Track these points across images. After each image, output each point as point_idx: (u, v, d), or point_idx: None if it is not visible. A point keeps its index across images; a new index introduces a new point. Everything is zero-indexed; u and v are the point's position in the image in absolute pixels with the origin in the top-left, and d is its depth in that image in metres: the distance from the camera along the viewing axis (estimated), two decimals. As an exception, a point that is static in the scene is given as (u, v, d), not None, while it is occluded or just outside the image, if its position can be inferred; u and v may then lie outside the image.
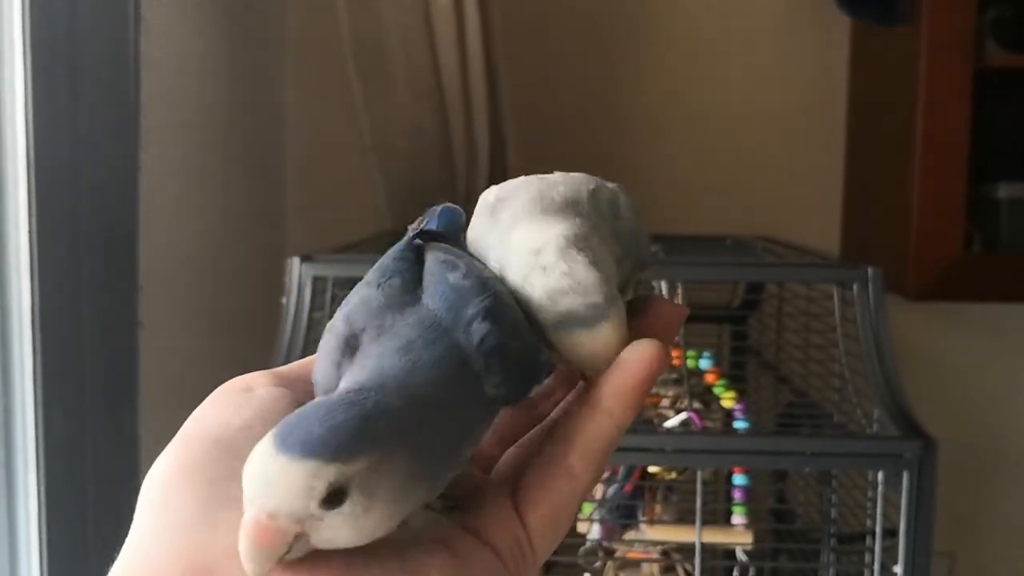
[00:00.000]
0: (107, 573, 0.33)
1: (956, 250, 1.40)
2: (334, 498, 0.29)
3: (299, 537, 0.30)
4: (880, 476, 0.87)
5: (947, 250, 1.39)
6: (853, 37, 1.67)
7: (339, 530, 0.30)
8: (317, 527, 0.30)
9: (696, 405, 0.98)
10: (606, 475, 0.94)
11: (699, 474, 0.88)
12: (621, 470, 0.95)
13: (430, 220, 0.39)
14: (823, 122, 1.69)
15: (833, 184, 1.69)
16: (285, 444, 0.29)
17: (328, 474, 0.29)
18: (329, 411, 0.30)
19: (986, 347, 1.66)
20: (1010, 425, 1.67)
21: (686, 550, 0.98)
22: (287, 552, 0.30)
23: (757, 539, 0.99)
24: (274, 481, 0.29)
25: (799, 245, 1.25)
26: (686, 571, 1.02)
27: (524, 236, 0.37)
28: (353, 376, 0.32)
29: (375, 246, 1.14)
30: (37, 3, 0.87)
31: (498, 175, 1.44)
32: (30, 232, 0.88)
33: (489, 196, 0.41)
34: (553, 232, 0.36)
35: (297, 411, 0.30)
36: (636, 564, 1.03)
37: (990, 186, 1.48)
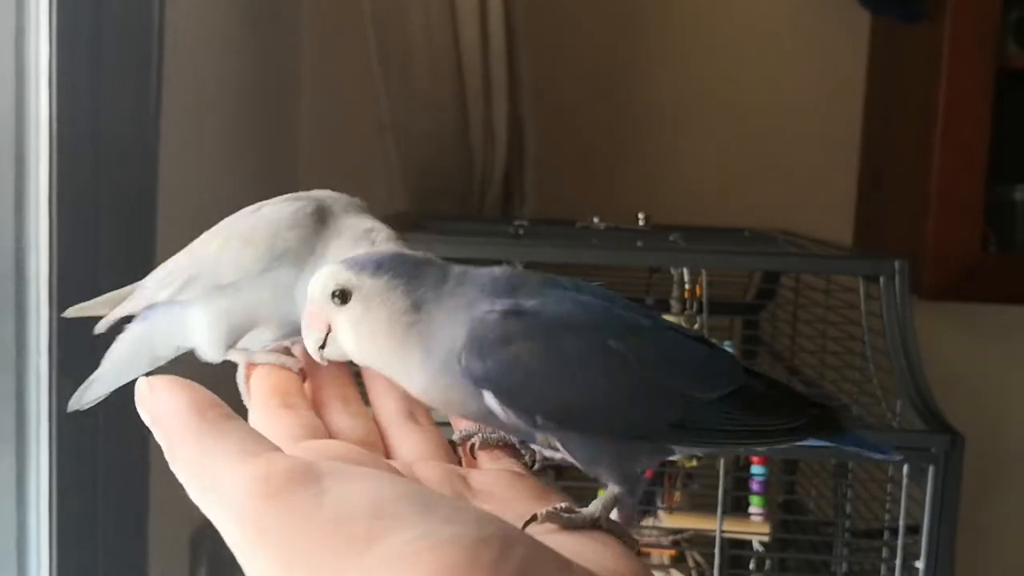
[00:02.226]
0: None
1: (973, 251, 1.39)
2: (343, 297, 0.40)
3: (330, 332, 0.41)
4: (905, 470, 0.86)
5: (964, 250, 1.39)
6: (873, 33, 1.66)
7: (344, 328, 0.41)
8: (334, 320, 0.41)
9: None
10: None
11: (721, 462, 0.87)
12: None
13: None
14: (840, 118, 1.68)
15: (848, 181, 1.69)
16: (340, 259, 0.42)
17: (340, 276, 0.40)
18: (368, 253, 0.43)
19: (998, 349, 1.66)
20: (1019, 426, 1.66)
21: (697, 539, 0.98)
22: (323, 344, 0.41)
23: (773, 531, 0.99)
24: (316, 278, 0.41)
25: (819, 238, 1.24)
26: (695, 560, 1.02)
27: None
28: None
29: (395, 225, 1.13)
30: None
31: (515, 159, 1.43)
32: (50, 205, 0.87)
33: None
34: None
35: None
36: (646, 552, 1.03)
37: (1007, 188, 1.47)
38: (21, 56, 0.87)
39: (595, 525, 0.36)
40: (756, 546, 1.00)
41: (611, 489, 0.38)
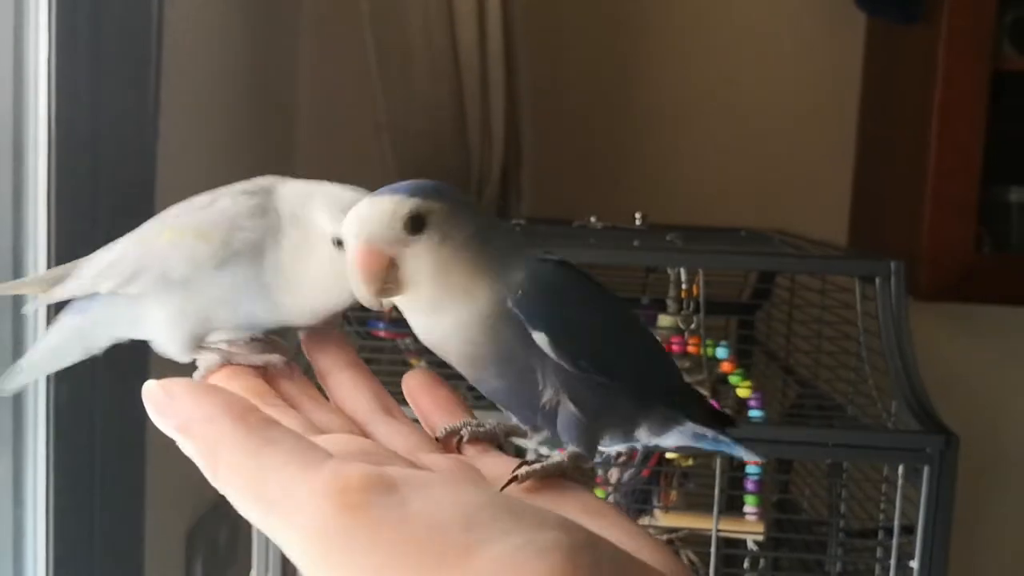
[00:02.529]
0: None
1: (967, 251, 1.40)
2: (416, 225, 0.38)
3: (392, 267, 0.39)
4: (900, 470, 0.86)
5: (958, 251, 1.39)
6: (868, 34, 1.67)
7: (422, 258, 0.39)
8: (404, 254, 0.38)
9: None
10: (623, 459, 0.94)
11: (718, 462, 0.87)
12: (639, 454, 0.94)
13: None
14: (835, 119, 1.69)
15: (843, 181, 1.69)
16: (375, 194, 0.39)
17: (409, 204, 0.38)
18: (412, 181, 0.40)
19: (992, 349, 1.67)
20: (1013, 427, 1.67)
21: (692, 538, 0.98)
22: (385, 283, 0.39)
23: (767, 530, 0.99)
24: (367, 216, 0.38)
25: (814, 238, 1.25)
26: (689, 559, 1.02)
27: None
28: None
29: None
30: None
31: (512, 158, 1.43)
32: (48, 203, 0.87)
33: None
34: None
35: None
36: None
37: (1002, 188, 1.48)
38: (20, 55, 0.87)
39: (563, 472, 0.37)
40: (751, 545, 1.01)
41: (572, 448, 0.40)
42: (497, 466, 0.38)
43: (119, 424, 0.97)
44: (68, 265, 0.50)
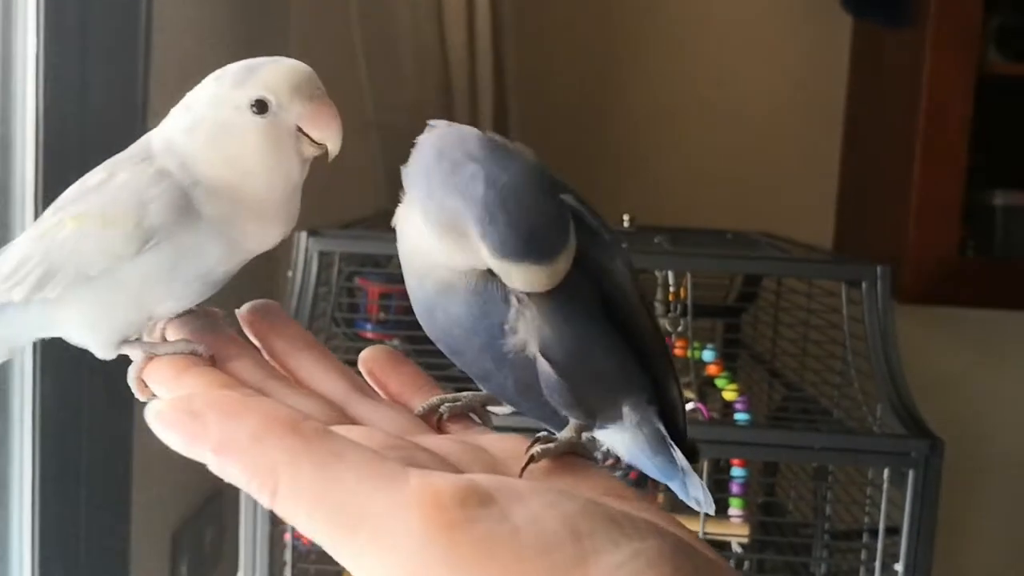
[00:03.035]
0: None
1: (951, 254, 1.41)
2: None
3: None
4: (886, 473, 0.87)
5: (942, 254, 1.40)
6: (854, 36, 1.68)
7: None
8: None
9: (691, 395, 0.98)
10: (610, 462, 0.94)
11: (705, 464, 0.88)
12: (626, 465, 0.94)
13: None
14: (822, 121, 1.69)
15: (829, 184, 1.70)
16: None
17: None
18: None
19: (976, 352, 1.68)
20: (996, 431, 1.68)
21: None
22: None
23: (752, 532, 1.00)
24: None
25: (800, 241, 1.25)
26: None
27: None
28: None
29: (380, 222, 1.13)
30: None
31: (500, 159, 1.43)
32: (35, 201, 0.87)
33: None
34: None
35: None
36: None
37: (986, 192, 1.49)
38: (8, 47, 0.86)
39: (573, 448, 0.36)
40: (735, 548, 1.01)
41: (574, 423, 0.38)
42: (502, 444, 0.36)
43: (105, 425, 0.97)
44: None
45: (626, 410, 0.38)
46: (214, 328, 0.42)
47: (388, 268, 1.05)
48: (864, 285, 0.94)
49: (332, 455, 0.28)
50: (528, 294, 0.35)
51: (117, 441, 1.00)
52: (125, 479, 1.01)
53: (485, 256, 0.34)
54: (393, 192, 1.37)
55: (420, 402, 0.40)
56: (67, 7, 0.88)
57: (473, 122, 1.40)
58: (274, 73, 0.41)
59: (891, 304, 0.93)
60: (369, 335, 1.02)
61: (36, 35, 0.86)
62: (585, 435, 0.38)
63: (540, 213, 0.33)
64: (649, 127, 1.68)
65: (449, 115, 1.39)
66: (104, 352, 0.43)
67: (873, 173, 1.59)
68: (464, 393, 0.40)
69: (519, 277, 0.34)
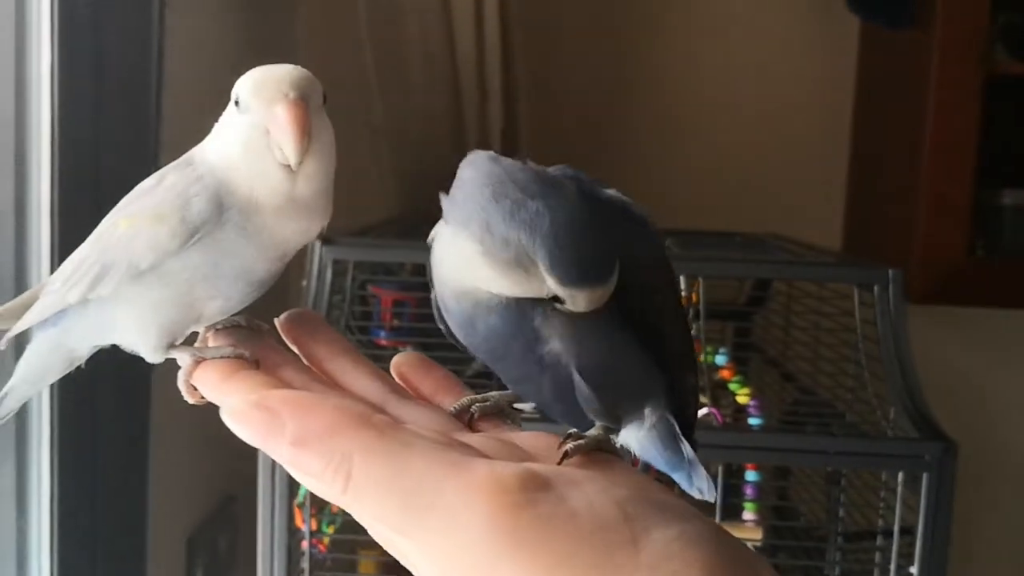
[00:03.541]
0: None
1: (960, 254, 1.41)
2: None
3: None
4: (900, 477, 0.87)
5: (951, 254, 1.40)
6: (862, 38, 1.68)
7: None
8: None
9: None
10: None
11: (720, 469, 0.88)
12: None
13: None
14: (830, 122, 1.69)
15: (837, 184, 1.70)
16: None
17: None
18: None
19: (985, 352, 1.68)
20: (1007, 430, 1.68)
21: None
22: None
23: (765, 536, 1.00)
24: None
25: (809, 243, 1.25)
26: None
27: None
28: None
29: (393, 230, 1.14)
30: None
31: (509, 163, 1.43)
32: (51, 212, 0.88)
33: None
34: None
35: None
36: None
37: (994, 192, 1.49)
38: (22, 63, 0.87)
39: (601, 446, 0.38)
40: (750, 551, 1.01)
41: (599, 425, 0.40)
42: (534, 441, 0.39)
43: (121, 430, 0.98)
44: (30, 291, 0.48)
45: (647, 411, 0.41)
46: (258, 337, 0.44)
47: (400, 276, 1.06)
48: (876, 288, 0.94)
49: (402, 445, 0.31)
50: (566, 312, 0.38)
51: (133, 446, 1.00)
52: (141, 484, 1.02)
53: (552, 285, 0.37)
54: (403, 198, 1.38)
55: (451, 403, 0.42)
56: (79, 23, 0.89)
57: (482, 127, 1.41)
58: (252, 73, 0.43)
59: (904, 307, 0.94)
60: (383, 342, 1.03)
61: (50, 51, 0.86)
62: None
63: (595, 241, 0.37)
64: (657, 130, 1.68)
65: (459, 121, 1.40)
66: (154, 355, 0.44)
67: (882, 173, 1.59)
68: (492, 393, 0.42)
69: (583, 300, 0.37)
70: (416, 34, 1.36)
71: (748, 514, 1.00)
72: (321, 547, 0.92)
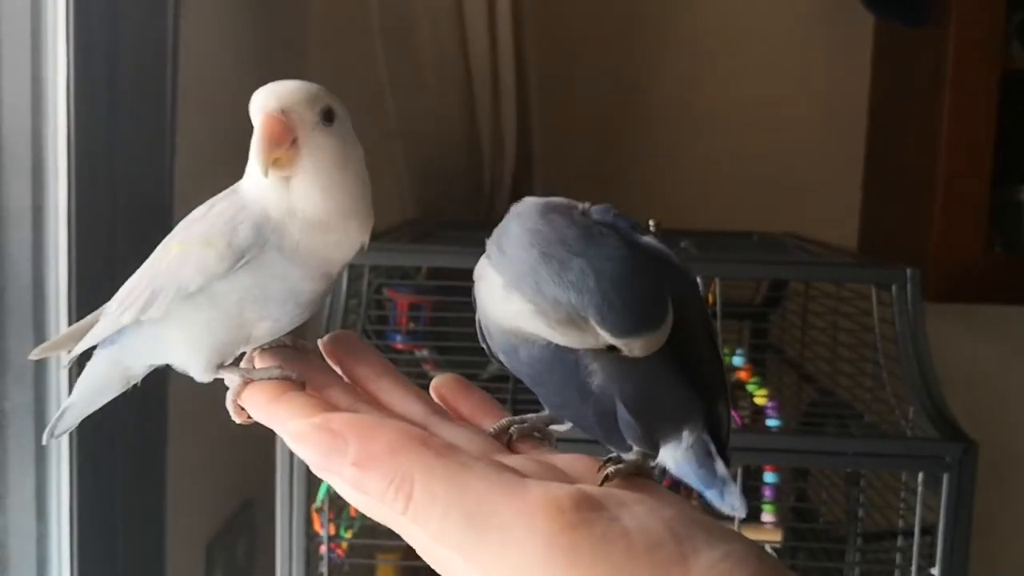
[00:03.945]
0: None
1: (978, 252, 1.40)
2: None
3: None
4: (920, 477, 0.87)
5: (969, 252, 1.39)
6: (876, 36, 1.67)
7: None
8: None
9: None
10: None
11: (739, 471, 0.88)
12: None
13: None
14: (844, 120, 1.69)
15: (853, 182, 1.69)
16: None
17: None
18: None
19: (1003, 350, 1.67)
20: (1024, 428, 1.67)
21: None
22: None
23: (784, 537, 0.99)
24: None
25: (827, 242, 1.25)
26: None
27: None
28: None
29: (408, 233, 1.13)
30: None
31: (524, 165, 1.44)
32: (68, 222, 0.88)
33: None
34: None
35: None
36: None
37: (1012, 189, 1.48)
38: (38, 72, 0.87)
39: (639, 470, 0.39)
40: (768, 552, 1.01)
41: (636, 450, 0.41)
42: (574, 464, 0.40)
43: (139, 437, 0.98)
44: (91, 315, 0.50)
45: (684, 433, 0.42)
46: (303, 358, 0.45)
47: (416, 279, 1.06)
48: (894, 288, 0.94)
49: (461, 466, 0.32)
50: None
51: (151, 453, 1.01)
52: (159, 490, 1.02)
53: (606, 337, 0.38)
54: (418, 200, 1.37)
55: (490, 424, 0.43)
56: (95, 34, 0.89)
57: (496, 129, 1.41)
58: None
59: (922, 307, 0.93)
60: (399, 346, 1.03)
61: (66, 61, 0.87)
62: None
63: (643, 290, 0.38)
64: (672, 131, 1.68)
65: (472, 122, 1.40)
66: (204, 375, 0.46)
67: (898, 171, 1.58)
68: (529, 415, 0.44)
69: (639, 347, 0.38)
70: (429, 35, 1.36)
71: (767, 516, 1.00)
72: (339, 552, 0.92)
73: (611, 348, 0.39)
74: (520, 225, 0.40)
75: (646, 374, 0.40)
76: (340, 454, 0.33)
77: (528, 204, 0.41)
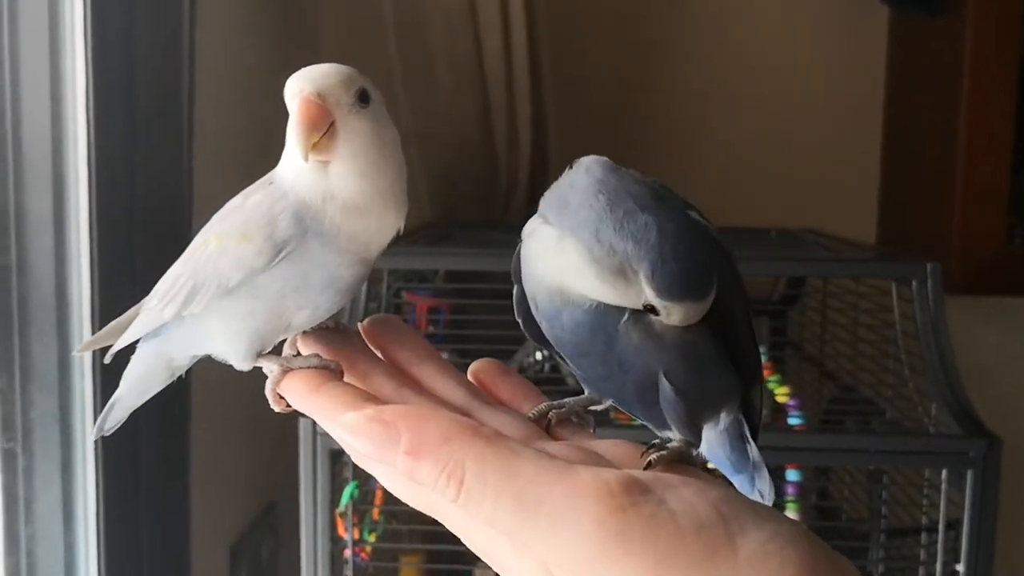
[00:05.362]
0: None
1: (999, 243, 1.39)
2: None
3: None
4: (944, 474, 0.86)
5: (989, 243, 1.38)
6: (892, 27, 1.66)
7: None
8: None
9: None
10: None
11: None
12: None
13: None
14: (861, 113, 1.68)
15: (871, 175, 1.68)
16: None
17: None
18: None
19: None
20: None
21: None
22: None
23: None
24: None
25: (846, 237, 1.24)
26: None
27: None
28: None
29: (425, 236, 1.13)
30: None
31: (539, 164, 1.43)
32: (90, 229, 0.88)
33: None
34: None
35: None
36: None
37: (1032, 178, 1.47)
38: (57, 86, 0.88)
39: (682, 457, 0.39)
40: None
41: (680, 437, 0.41)
42: (615, 450, 0.40)
43: (163, 441, 0.98)
44: (131, 310, 0.50)
45: (722, 416, 0.42)
46: (347, 342, 0.45)
47: (435, 282, 1.06)
48: (914, 283, 0.93)
49: (511, 452, 0.33)
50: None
51: (175, 457, 1.01)
52: (184, 494, 1.03)
53: (650, 295, 0.38)
54: (435, 201, 1.37)
55: (529, 408, 0.43)
56: (113, 47, 0.89)
57: (511, 129, 1.41)
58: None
59: (943, 301, 0.92)
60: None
61: (85, 74, 0.87)
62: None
63: (698, 257, 0.38)
64: (687, 126, 1.67)
65: (487, 122, 1.40)
66: (243, 364, 0.46)
67: (916, 163, 1.57)
68: (567, 400, 0.44)
69: (678, 314, 0.38)
70: (442, 35, 1.36)
71: (790, 513, 1.00)
72: (363, 555, 0.93)
73: (648, 311, 0.39)
74: (589, 176, 0.40)
75: (694, 347, 0.40)
76: (393, 444, 0.34)
77: (594, 159, 0.41)
